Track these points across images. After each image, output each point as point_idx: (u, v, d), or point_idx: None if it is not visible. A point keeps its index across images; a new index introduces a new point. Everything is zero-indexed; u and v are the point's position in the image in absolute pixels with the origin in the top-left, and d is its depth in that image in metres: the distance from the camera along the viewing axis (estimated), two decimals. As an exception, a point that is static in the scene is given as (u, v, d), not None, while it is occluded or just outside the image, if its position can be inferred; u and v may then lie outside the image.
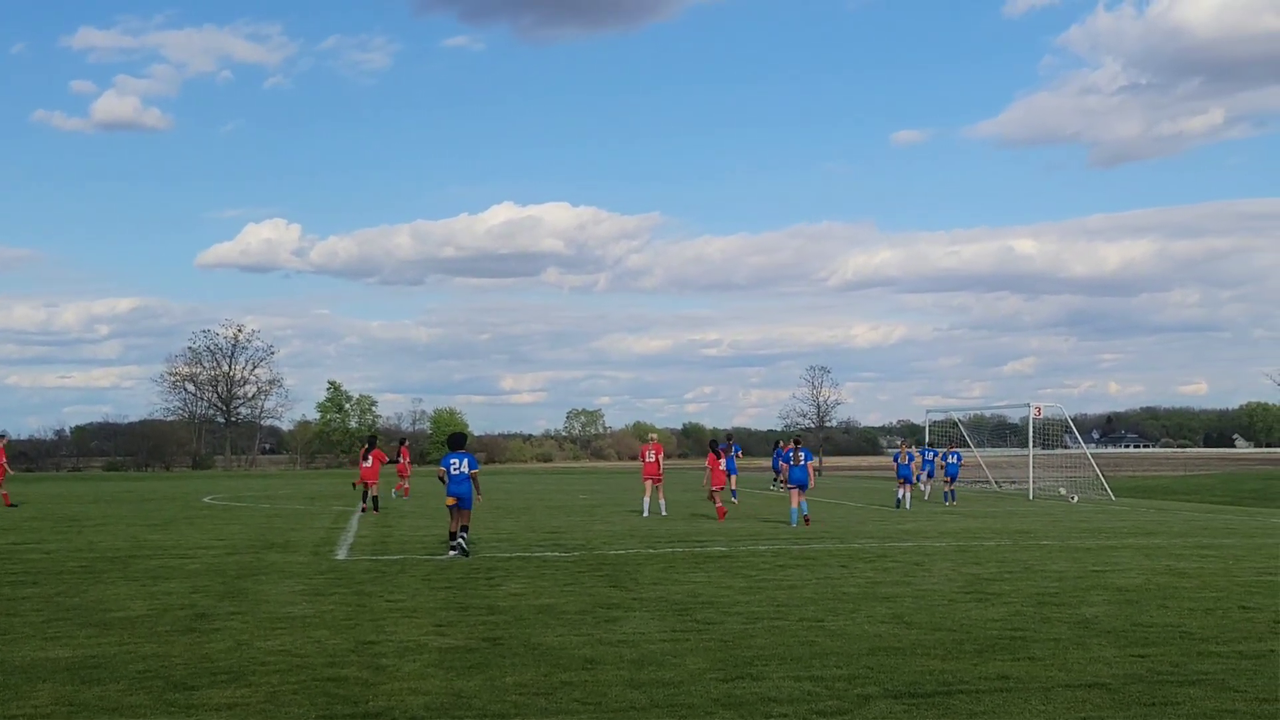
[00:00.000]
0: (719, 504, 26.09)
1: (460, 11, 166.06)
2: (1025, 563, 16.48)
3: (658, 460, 26.66)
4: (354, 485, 38.56)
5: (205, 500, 36.54)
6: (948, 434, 45.97)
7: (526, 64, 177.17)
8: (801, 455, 24.00)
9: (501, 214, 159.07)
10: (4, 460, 31.59)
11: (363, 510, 28.15)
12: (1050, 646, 9.88)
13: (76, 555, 17.77)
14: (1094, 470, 37.58)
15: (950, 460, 34.20)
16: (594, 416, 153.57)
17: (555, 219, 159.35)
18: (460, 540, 17.35)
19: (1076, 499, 34.61)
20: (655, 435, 29.76)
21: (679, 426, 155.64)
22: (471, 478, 17.50)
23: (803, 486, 23.73)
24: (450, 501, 17.42)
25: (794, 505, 23.58)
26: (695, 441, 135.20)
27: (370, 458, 28.37)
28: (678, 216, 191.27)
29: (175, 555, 17.66)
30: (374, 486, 28.30)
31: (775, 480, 36.32)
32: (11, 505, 31.24)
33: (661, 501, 26.90)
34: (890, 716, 7.55)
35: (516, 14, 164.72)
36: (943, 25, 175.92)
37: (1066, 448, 42.21)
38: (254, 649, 9.75)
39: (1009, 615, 11.58)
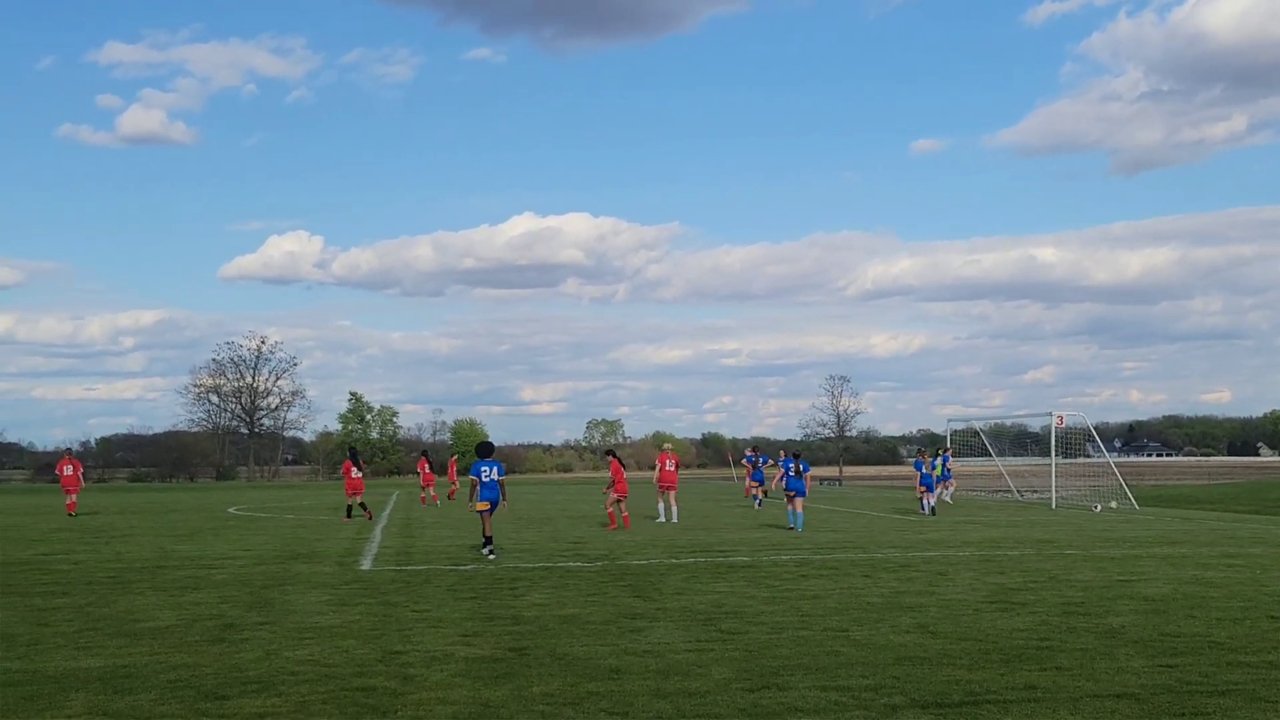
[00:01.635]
0: (623, 512, 26.09)
1: (482, 24, 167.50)
2: (1050, 572, 16.43)
3: (675, 469, 28.33)
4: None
5: (230, 511, 36.73)
6: (968, 443, 45.86)
7: (547, 75, 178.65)
8: (800, 466, 25.87)
9: (521, 225, 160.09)
10: (79, 473, 34.64)
11: (345, 520, 29.15)
12: (1077, 656, 9.86)
13: (105, 566, 17.91)
14: (1117, 479, 37.40)
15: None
16: (613, 426, 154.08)
17: (575, 230, 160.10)
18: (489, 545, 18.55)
19: (1100, 508, 34.46)
20: (669, 445, 30.96)
21: (698, 436, 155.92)
22: (500, 484, 18.52)
23: (800, 494, 25.35)
24: (483, 507, 18.37)
25: (792, 509, 25.37)
26: (714, 451, 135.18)
27: (359, 468, 30.05)
28: (697, 226, 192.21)
29: (202, 566, 17.78)
30: (360, 495, 29.83)
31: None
32: (71, 515, 33.29)
33: (675, 509, 28.09)
34: (918, 726, 7.55)
35: (537, 26, 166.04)
36: (963, 34, 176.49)
37: (1089, 456, 42.03)
38: (283, 659, 9.82)
39: (1035, 625, 11.55)
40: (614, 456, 26.72)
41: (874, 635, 10.92)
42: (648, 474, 32.91)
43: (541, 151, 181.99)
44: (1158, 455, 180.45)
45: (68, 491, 34.13)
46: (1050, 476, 37.61)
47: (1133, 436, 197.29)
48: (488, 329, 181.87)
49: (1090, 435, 41.25)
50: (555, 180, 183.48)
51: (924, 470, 31.68)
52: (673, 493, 28.24)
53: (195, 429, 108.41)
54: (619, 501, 25.81)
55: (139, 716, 7.83)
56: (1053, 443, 37.68)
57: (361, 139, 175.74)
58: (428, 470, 40.10)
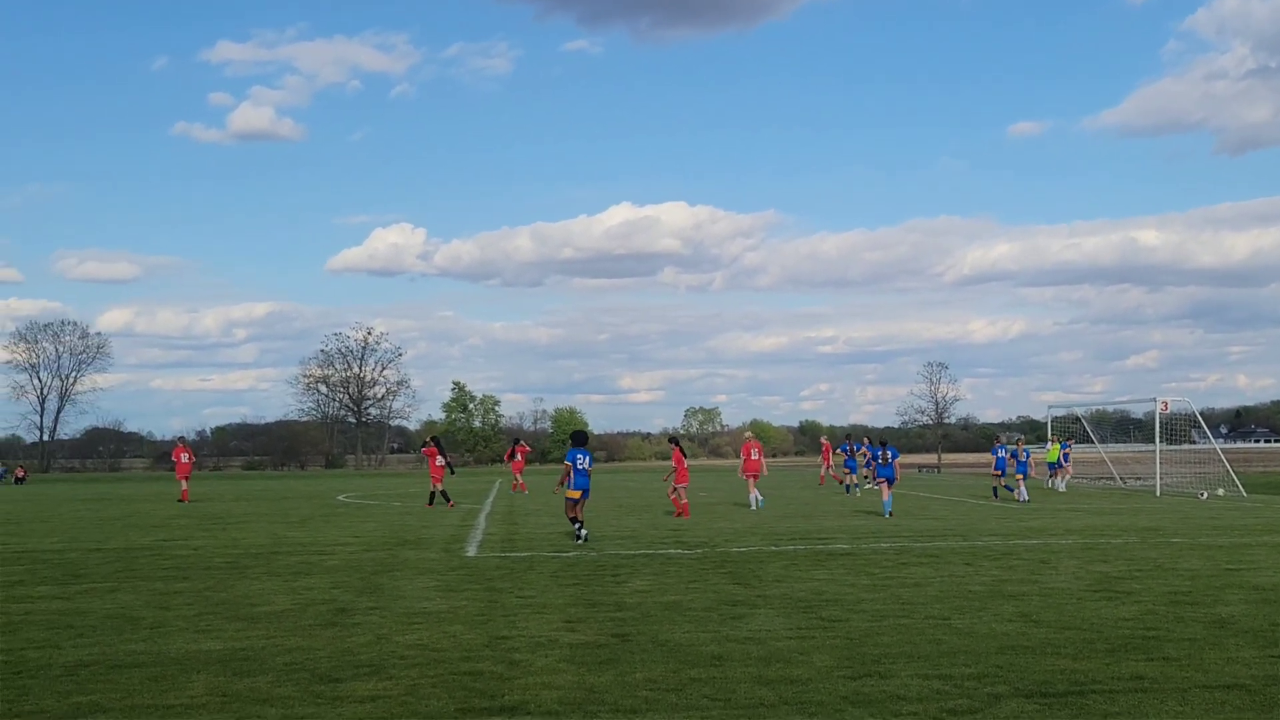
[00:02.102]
0: (683, 500, 26.14)
1: (578, 16, 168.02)
2: (1155, 561, 16.17)
3: (760, 458, 29.12)
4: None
5: (339, 499, 37.62)
6: (1070, 429, 45.10)
7: (643, 65, 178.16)
8: (889, 454, 26.50)
9: (619, 214, 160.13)
10: (192, 459, 36.74)
11: (450, 506, 29.95)
12: (1185, 646, 9.73)
13: (222, 551, 18.52)
14: (1224, 466, 36.50)
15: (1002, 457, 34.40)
16: (711, 415, 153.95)
17: (672, 219, 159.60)
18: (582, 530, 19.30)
19: (1206, 495, 33.70)
20: (750, 434, 31.65)
21: (795, 424, 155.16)
22: (588, 473, 19.22)
23: (890, 481, 26.16)
24: (576, 494, 18.94)
25: (885, 498, 25.98)
26: (811, 439, 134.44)
27: (443, 457, 30.68)
28: (793, 214, 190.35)
29: (314, 552, 18.29)
30: (439, 483, 30.54)
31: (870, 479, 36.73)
32: (183, 501, 34.94)
33: (758, 495, 28.92)
34: (1022, 716, 7.53)
35: (633, 16, 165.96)
36: (1062, 13, 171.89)
37: (1194, 443, 41.05)
38: (393, 643, 10.09)
39: (1141, 614, 11.41)
40: (676, 445, 26.85)
41: (976, 624, 10.89)
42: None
43: (638, 141, 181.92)
44: (1265, 441, 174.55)
45: (183, 478, 35.50)
46: (1154, 463, 36.87)
47: (1240, 422, 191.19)
48: (587, 318, 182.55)
49: (1195, 421, 40.27)
50: (652, 170, 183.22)
51: (1018, 459, 32.07)
52: (754, 480, 28.80)
53: (305, 418, 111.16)
54: (681, 489, 26.04)
55: (257, 698, 8.10)
56: (1157, 429, 36.91)
57: (462, 132, 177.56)
58: (519, 458, 40.53)
